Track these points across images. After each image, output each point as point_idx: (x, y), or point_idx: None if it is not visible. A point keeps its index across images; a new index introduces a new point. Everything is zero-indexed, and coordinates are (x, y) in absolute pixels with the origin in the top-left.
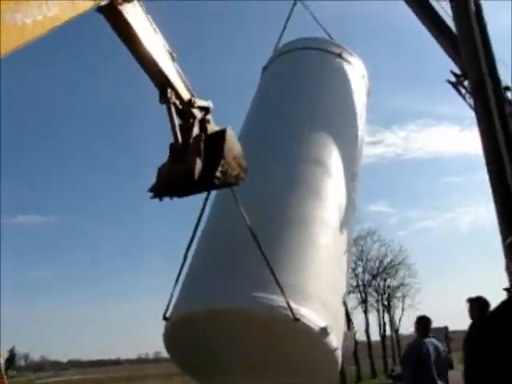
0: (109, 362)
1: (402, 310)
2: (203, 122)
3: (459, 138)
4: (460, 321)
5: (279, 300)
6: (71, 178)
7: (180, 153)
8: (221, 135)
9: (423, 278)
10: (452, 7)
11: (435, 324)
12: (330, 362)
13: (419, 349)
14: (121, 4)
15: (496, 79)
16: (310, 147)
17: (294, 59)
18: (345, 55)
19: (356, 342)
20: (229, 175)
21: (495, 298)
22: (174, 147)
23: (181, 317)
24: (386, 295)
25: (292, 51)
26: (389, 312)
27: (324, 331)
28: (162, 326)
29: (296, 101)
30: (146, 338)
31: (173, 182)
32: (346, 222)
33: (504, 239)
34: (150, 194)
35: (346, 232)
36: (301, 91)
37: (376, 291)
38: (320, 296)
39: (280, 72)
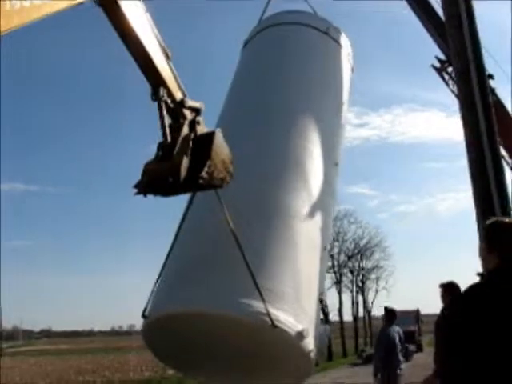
0: (82, 333)
1: (376, 291)
2: (193, 123)
3: (445, 124)
4: (432, 304)
5: (259, 306)
6: (59, 150)
7: (168, 151)
8: (210, 137)
9: (399, 261)
10: None
11: (407, 307)
12: (305, 362)
13: (387, 336)
14: None
15: (481, 68)
16: (290, 134)
17: (276, 36)
18: (331, 32)
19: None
20: (214, 177)
21: (469, 283)
22: (162, 145)
23: (159, 317)
24: (361, 277)
25: (274, 26)
26: (362, 293)
27: (300, 335)
28: (136, 299)
29: (276, 82)
30: (120, 310)
31: (158, 179)
32: (326, 218)
33: (480, 226)
34: (135, 190)
35: (327, 228)
36: (282, 71)
37: (351, 272)
38: (297, 298)
39: (261, 49)
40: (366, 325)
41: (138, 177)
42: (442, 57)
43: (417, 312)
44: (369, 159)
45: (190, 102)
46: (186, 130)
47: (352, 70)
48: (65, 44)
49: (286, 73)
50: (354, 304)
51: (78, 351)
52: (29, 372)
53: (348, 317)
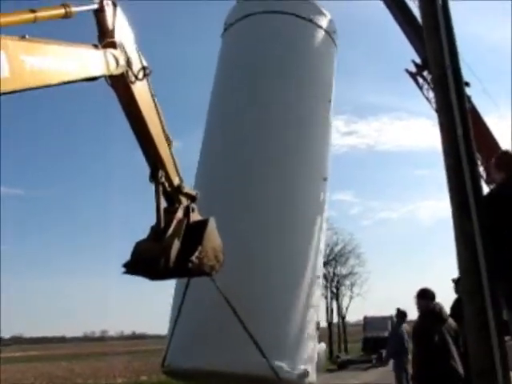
0: (53, 340)
1: (350, 298)
2: (187, 209)
3: (431, 132)
4: (408, 310)
5: (262, 361)
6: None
7: (160, 233)
8: (203, 224)
9: (377, 267)
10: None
11: (383, 313)
12: None
13: (397, 332)
14: (133, 82)
15: (458, 74)
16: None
17: (258, 25)
18: (313, 17)
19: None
20: (204, 263)
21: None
22: (154, 228)
23: (177, 370)
24: (335, 283)
25: (256, 14)
26: (337, 299)
27: (302, 376)
28: (109, 305)
29: (258, 79)
30: (92, 316)
31: (148, 259)
32: (318, 247)
33: (458, 233)
34: (123, 269)
35: (319, 256)
36: (264, 65)
37: (325, 278)
38: (297, 340)
39: (242, 40)
40: (341, 331)
41: (119, 179)
42: (419, 61)
43: (391, 318)
44: (354, 167)
45: (186, 189)
46: (180, 214)
47: (335, 45)
48: None
49: (271, 71)
50: (329, 310)
51: (50, 358)
52: None
53: (322, 323)
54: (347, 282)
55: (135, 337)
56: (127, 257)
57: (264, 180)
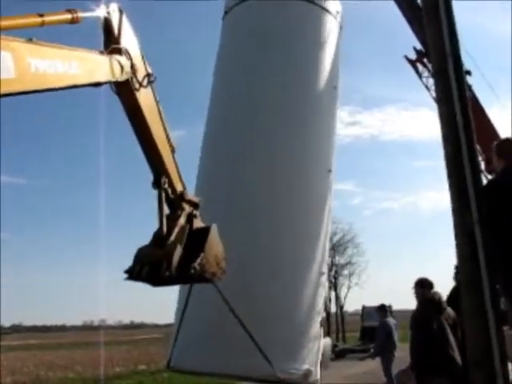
0: (53, 328)
1: (348, 287)
2: (190, 216)
3: (434, 123)
4: (406, 300)
5: (266, 366)
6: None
7: (162, 239)
8: (205, 231)
9: (379, 257)
10: None
11: (381, 302)
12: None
13: (384, 326)
14: (137, 89)
15: (458, 62)
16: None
17: (259, 8)
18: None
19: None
20: (206, 270)
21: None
22: (157, 234)
23: (184, 371)
24: (333, 272)
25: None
26: (335, 289)
27: (306, 375)
28: (108, 293)
29: (265, 69)
30: (91, 304)
31: (151, 265)
32: (324, 241)
33: (456, 220)
34: (125, 275)
35: (324, 251)
36: (266, 48)
37: None
38: (301, 341)
39: (243, 24)
40: (339, 320)
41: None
42: (420, 48)
43: (389, 307)
44: (357, 157)
45: (189, 196)
46: (182, 221)
47: (341, 28)
48: None
49: (273, 55)
50: (327, 300)
51: (50, 346)
52: None
53: None
54: (345, 272)
55: (133, 326)
56: (128, 246)
57: (267, 174)
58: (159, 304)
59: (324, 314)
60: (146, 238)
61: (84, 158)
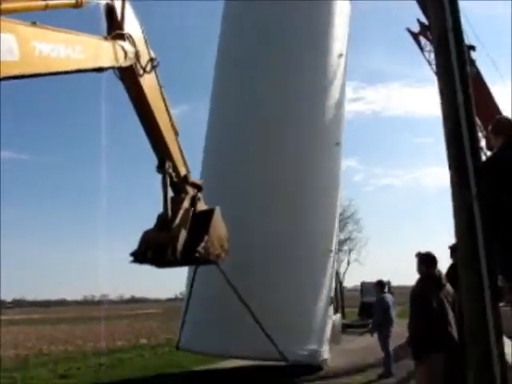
0: (55, 303)
1: (348, 263)
2: (194, 199)
3: (438, 100)
4: (404, 276)
5: (270, 346)
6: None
7: (167, 223)
8: (209, 214)
9: (380, 234)
10: None
11: (380, 278)
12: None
13: (382, 302)
14: (141, 75)
15: (459, 37)
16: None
17: None
18: None
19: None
20: (210, 253)
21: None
22: (162, 217)
23: (192, 352)
24: None
25: None
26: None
27: (312, 355)
28: (109, 268)
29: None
30: (92, 279)
31: (156, 249)
32: (332, 219)
33: (455, 196)
34: (131, 258)
35: (333, 229)
36: (272, 20)
37: None
38: (308, 321)
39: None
40: (338, 296)
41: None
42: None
43: (388, 284)
44: (360, 133)
45: (192, 179)
46: (186, 204)
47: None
48: None
49: (280, 26)
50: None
51: (51, 321)
52: None
53: None
54: (345, 248)
55: (134, 300)
56: (126, 223)
57: (274, 147)
58: (160, 279)
59: (333, 292)
60: (146, 216)
61: (87, 136)
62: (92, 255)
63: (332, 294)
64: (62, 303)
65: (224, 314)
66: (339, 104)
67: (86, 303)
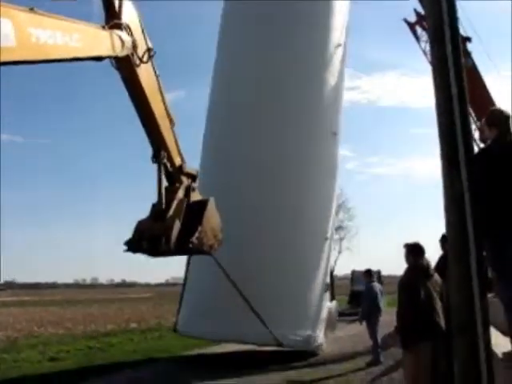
0: (45, 286)
1: (339, 252)
2: (188, 189)
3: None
4: (394, 265)
5: (265, 331)
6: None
7: (161, 213)
8: (203, 204)
9: (372, 223)
10: None
11: (372, 268)
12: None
13: (370, 290)
14: (138, 65)
15: (455, 28)
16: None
17: None
18: None
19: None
20: (204, 243)
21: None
22: (156, 207)
23: (189, 336)
24: None
25: None
26: None
27: (306, 340)
28: (101, 252)
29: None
30: (83, 263)
31: (150, 238)
32: (328, 207)
33: (446, 190)
34: (125, 247)
35: (329, 216)
36: (272, 10)
37: None
38: (303, 306)
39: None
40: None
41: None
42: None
43: (378, 272)
44: (354, 121)
45: (187, 169)
46: (180, 194)
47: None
48: None
49: (281, 15)
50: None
51: (41, 303)
52: None
53: None
54: (336, 237)
55: (125, 285)
56: (118, 207)
57: (272, 135)
58: (151, 263)
59: (328, 279)
60: (140, 203)
61: (83, 120)
62: (84, 239)
63: (327, 280)
64: (52, 286)
65: (220, 299)
66: (337, 94)
67: (77, 286)
